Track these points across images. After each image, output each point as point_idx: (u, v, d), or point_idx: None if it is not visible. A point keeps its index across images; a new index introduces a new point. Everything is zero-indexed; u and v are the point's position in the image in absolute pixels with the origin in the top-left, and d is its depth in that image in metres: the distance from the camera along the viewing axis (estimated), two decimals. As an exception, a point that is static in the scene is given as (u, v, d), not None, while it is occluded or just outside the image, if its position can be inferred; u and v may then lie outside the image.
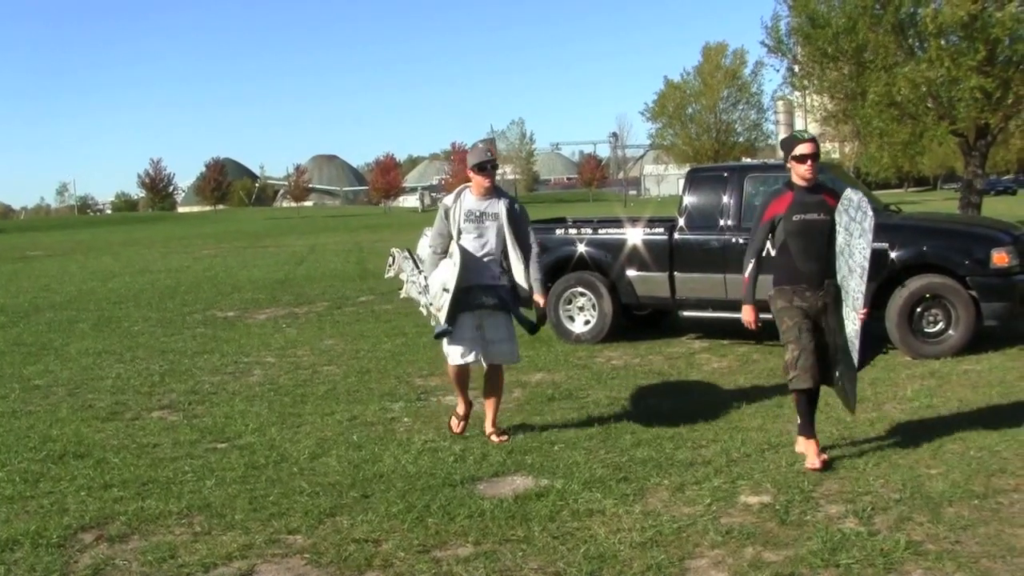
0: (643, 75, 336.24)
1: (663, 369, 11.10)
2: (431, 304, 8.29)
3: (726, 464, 7.26)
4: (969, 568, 5.29)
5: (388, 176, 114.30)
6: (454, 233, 8.13)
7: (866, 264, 6.95)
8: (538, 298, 8.22)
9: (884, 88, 30.05)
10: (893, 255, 11.39)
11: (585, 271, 13.12)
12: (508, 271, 8.22)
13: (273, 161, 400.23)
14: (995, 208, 36.75)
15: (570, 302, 13.15)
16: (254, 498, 6.78)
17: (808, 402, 7.18)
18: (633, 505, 6.43)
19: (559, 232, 13.52)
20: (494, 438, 8.20)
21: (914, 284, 11.29)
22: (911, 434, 7.93)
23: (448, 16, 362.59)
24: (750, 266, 7.31)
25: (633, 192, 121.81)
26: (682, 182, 13.48)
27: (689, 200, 12.76)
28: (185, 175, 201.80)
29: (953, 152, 46.97)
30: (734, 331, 12.55)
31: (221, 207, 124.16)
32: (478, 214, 8.12)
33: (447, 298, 7.93)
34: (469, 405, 8.51)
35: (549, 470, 7.25)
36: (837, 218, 7.16)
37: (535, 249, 8.33)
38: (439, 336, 8.18)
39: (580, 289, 13.12)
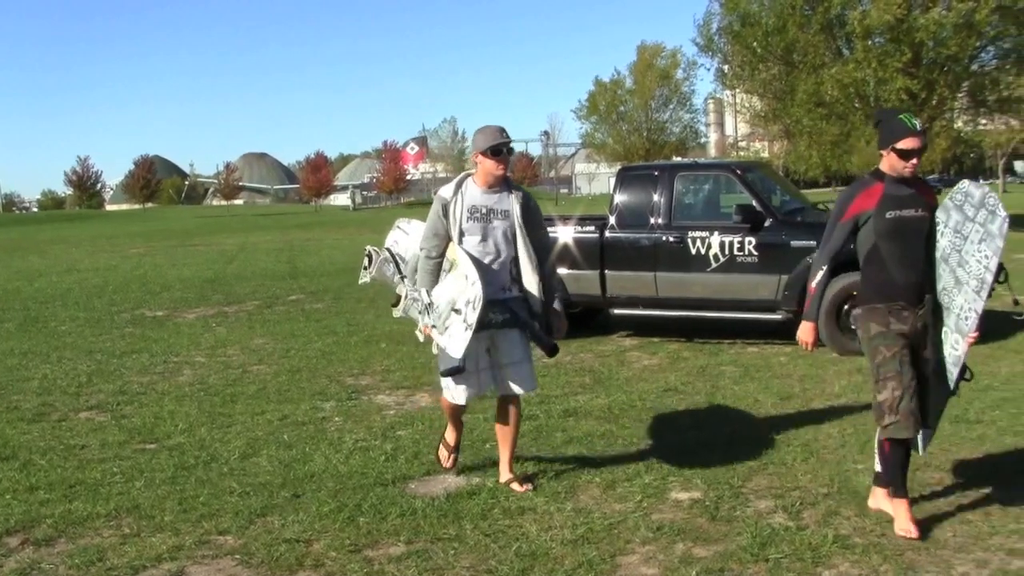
0: (575, 74, 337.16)
1: (594, 367, 11.13)
2: (434, 326, 6.61)
3: (657, 461, 7.30)
4: (895, 560, 5.38)
5: (319, 174, 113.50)
6: (454, 234, 6.57)
7: (988, 277, 5.57)
8: (555, 319, 6.86)
9: (813, 88, 30.47)
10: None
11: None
12: (518, 279, 6.70)
13: (203, 159, 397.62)
14: (921, 207, 37.21)
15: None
16: (184, 499, 6.72)
17: (905, 454, 5.88)
18: (564, 502, 6.45)
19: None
20: (515, 486, 6.72)
21: (842, 281, 11.42)
22: (839, 429, 8.05)
23: (379, 13, 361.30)
24: (820, 274, 5.99)
25: (564, 190, 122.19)
26: (613, 180, 13.54)
27: (620, 198, 12.82)
28: (113, 173, 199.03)
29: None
30: (664, 329, 12.64)
31: (150, 205, 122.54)
32: (485, 211, 6.60)
33: (457, 321, 6.38)
34: (460, 431, 7.18)
35: (481, 468, 7.26)
36: (941, 216, 5.85)
37: (552, 254, 7.16)
38: (448, 373, 6.50)
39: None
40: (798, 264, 11.52)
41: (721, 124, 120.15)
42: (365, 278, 7.73)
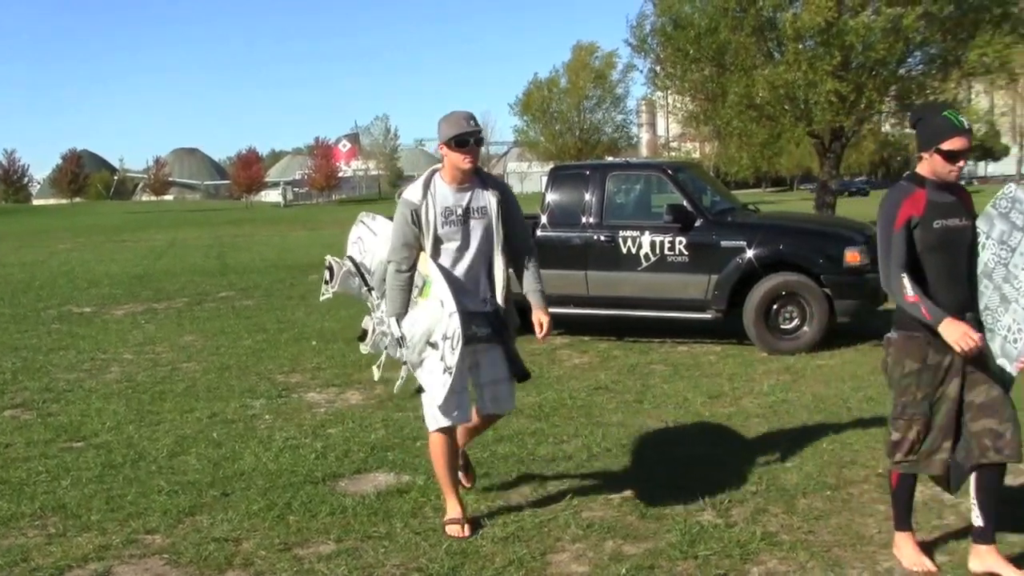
0: (508, 72, 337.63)
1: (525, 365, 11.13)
2: (408, 363, 5.94)
3: (587, 459, 7.33)
4: (821, 557, 5.45)
5: (250, 170, 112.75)
6: (427, 244, 5.79)
7: None
8: (541, 315, 6.02)
9: (744, 89, 30.70)
10: (751, 253, 11.61)
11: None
12: (493, 287, 6.01)
13: (132, 154, 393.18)
14: (849, 208, 37.69)
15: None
16: (111, 498, 6.65)
17: (912, 487, 5.35)
18: (495, 500, 6.47)
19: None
20: (463, 479, 6.45)
21: (771, 281, 11.55)
22: (767, 428, 8.13)
23: (311, 9, 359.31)
24: (906, 280, 4.95)
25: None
26: (545, 179, 13.58)
27: (551, 197, 12.85)
28: (40, 167, 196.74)
29: (809, 153, 48.12)
30: (595, 328, 12.69)
31: (78, 200, 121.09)
32: (461, 212, 5.81)
33: (434, 357, 5.70)
34: (459, 495, 6.12)
35: (411, 466, 7.25)
36: (983, 226, 5.19)
37: (534, 251, 6.27)
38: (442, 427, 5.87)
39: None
40: (728, 264, 11.64)
41: (653, 125, 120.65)
42: (327, 294, 7.01)
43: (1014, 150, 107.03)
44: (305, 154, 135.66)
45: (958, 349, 4.85)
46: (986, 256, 5.15)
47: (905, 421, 5.14)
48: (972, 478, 5.14)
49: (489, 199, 5.91)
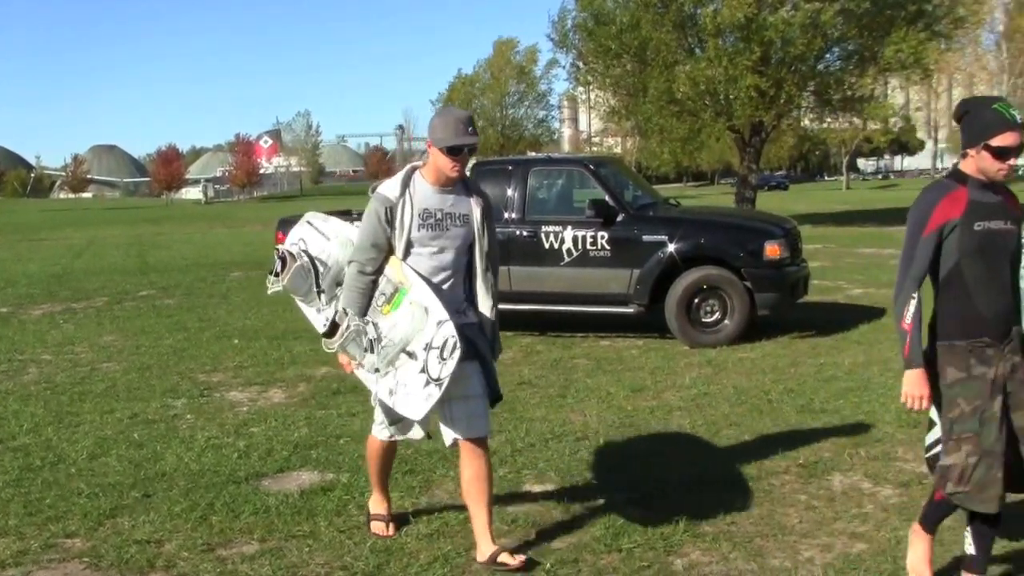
0: (430, 68, 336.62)
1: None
2: (376, 369, 5.37)
3: (511, 454, 7.35)
4: (744, 548, 5.51)
5: (170, 167, 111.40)
6: (399, 246, 5.30)
7: None
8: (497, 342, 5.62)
9: (665, 85, 30.98)
10: (672, 248, 11.70)
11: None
12: (472, 299, 5.52)
13: (50, 151, 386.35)
14: (768, 203, 38.14)
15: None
16: (29, 502, 6.54)
17: (992, 524, 4.72)
18: (419, 497, 6.46)
19: (345, 225, 13.41)
20: (506, 559, 5.31)
21: (692, 276, 11.64)
22: (689, 421, 8.20)
23: (231, 3, 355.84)
24: (912, 306, 4.58)
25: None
26: (467, 175, 13.56)
27: (475, 193, 12.84)
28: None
29: (729, 148, 48.70)
30: (518, 323, 12.70)
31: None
32: (439, 216, 5.35)
33: (411, 368, 5.17)
34: (387, 494, 6.00)
35: (335, 464, 7.22)
36: None
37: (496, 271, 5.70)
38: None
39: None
40: (650, 258, 11.72)
41: (575, 120, 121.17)
42: (276, 287, 6.20)
43: (929, 144, 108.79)
44: (226, 151, 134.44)
45: (904, 399, 4.66)
46: None
47: (954, 442, 4.56)
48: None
49: (472, 207, 5.46)
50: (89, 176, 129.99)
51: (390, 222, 5.28)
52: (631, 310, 11.99)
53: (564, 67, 40.14)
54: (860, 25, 31.20)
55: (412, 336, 5.15)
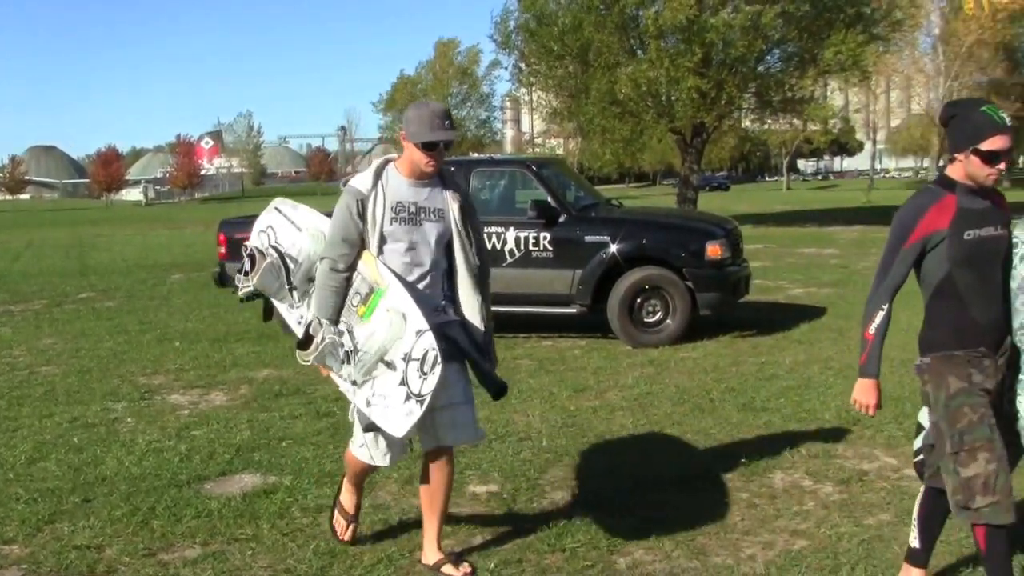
0: (373, 69, 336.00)
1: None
2: (354, 382, 5.10)
3: (454, 455, 7.33)
4: (686, 546, 5.54)
5: (110, 168, 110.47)
6: (372, 241, 5.08)
7: None
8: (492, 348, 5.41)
9: (607, 86, 31.10)
10: (614, 248, 11.74)
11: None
12: (453, 298, 5.28)
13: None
14: (710, 203, 38.34)
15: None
16: (-35, 506, 6.46)
17: (1008, 538, 4.38)
18: (363, 499, 6.44)
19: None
20: (451, 570, 5.24)
21: (634, 276, 11.69)
22: (632, 420, 8.23)
23: (172, 3, 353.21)
24: (879, 316, 4.51)
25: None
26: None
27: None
28: None
29: (671, 149, 48.99)
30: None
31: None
32: (414, 209, 5.11)
33: (390, 379, 4.93)
34: (361, 494, 5.76)
35: (278, 467, 7.17)
36: (1019, 235, 4.51)
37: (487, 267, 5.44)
38: (371, 428, 5.15)
39: (308, 283, 12.95)
40: (592, 259, 11.76)
41: (518, 121, 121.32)
42: (246, 288, 5.79)
43: (868, 145, 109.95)
44: (167, 152, 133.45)
45: (854, 404, 4.60)
46: (1022, 269, 4.47)
47: (967, 453, 4.30)
48: (920, 496, 4.82)
49: (448, 201, 5.18)
50: (27, 177, 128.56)
51: (362, 216, 5.05)
52: (573, 310, 12.02)
53: (506, 68, 40.26)
54: (800, 27, 31.53)
55: (390, 345, 4.89)
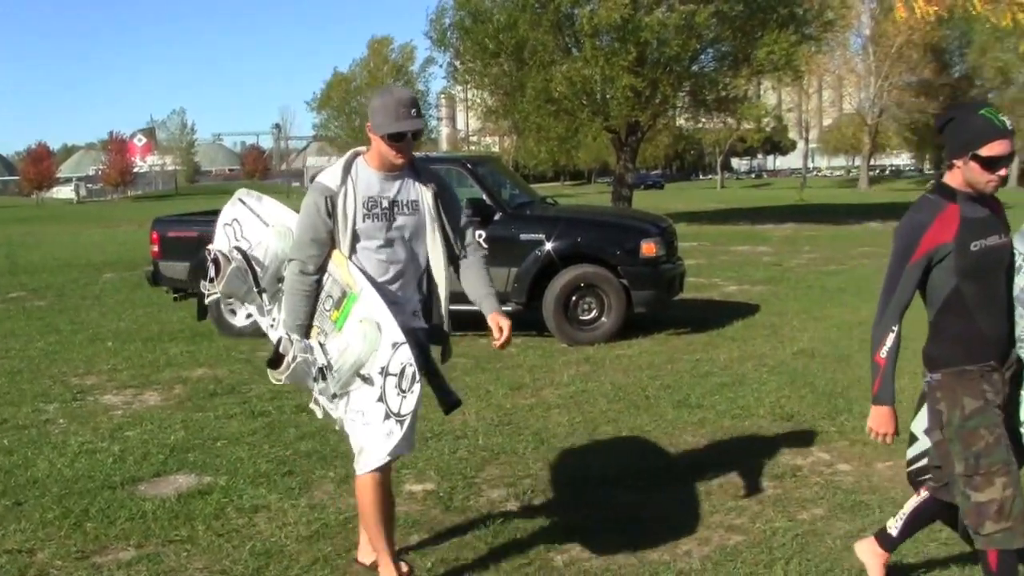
0: (308, 66, 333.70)
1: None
2: (334, 395, 4.79)
3: (391, 454, 7.33)
4: (623, 542, 5.57)
5: (40, 166, 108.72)
6: (344, 241, 4.75)
7: None
8: (499, 319, 4.97)
9: (542, 84, 31.16)
10: (549, 246, 11.78)
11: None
12: (428, 300, 5.10)
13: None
14: (645, 201, 38.53)
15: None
16: None
17: (1018, 562, 4.22)
18: (299, 499, 6.41)
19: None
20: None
21: (569, 274, 11.73)
22: (568, 418, 8.26)
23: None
24: (890, 339, 4.22)
25: (296, 184, 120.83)
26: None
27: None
28: None
29: (606, 147, 49.16)
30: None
31: None
32: (387, 204, 4.81)
33: (367, 394, 4.66)
34: (393, 548, 5.09)
35: (213, 467, 7.12)
36: (1019, 244, 4.34)
37: (482, 251, 5.30)
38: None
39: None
40: (527, 257, 11.78)
41: (453, 119, 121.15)
42: (213, 294, 5.43)
43: (800, 144, 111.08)
44: (99, 149, 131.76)
45: (869, 431, 4.34)
46: (1022, 280, 4.30)
47: (983, 477, 4.12)
48: (921, 496, 4.66)
49: (422, 192, 4.91)
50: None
51: (331, 214, 4.73)
52: (509, 308, 12.02)
53: (441, 66, 40.25)
54: (734, 27, 31.81)
55: (366, 358, 4.61)
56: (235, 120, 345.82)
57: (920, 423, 4.52)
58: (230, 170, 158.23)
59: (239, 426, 8.21)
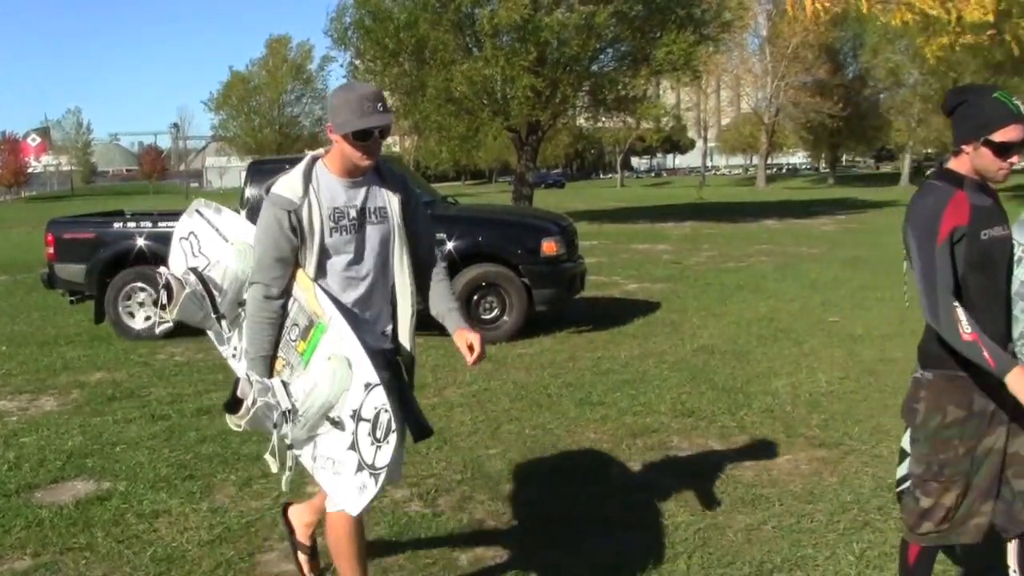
0: (206, 65, 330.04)
1: (227, 363, 10.96)
2: (309, 434, 4.27)
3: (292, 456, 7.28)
4: (526, 540, 5.62)
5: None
6: (310, 260, 4.20)
7: None
8: (469, 335, 4.53)
9: (443, 84, 31.17)
10: (450, 245, 11.79)
11: (145, 265, 12.72)
12: (395, 316, 4.53)
13: None
14: (546, 200, 38.65)
15: (130, 297, 12.67)
16: None
17: (932, 564, 4.24)
18: (200, 503, 6.35)
19: (117, 226, 13.04)
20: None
21: (470, 273, 11.75)
22: (470, 417, 8.27)
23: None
24: (961, 314, 3.79)
25: (195, 184, 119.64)
26: (244, 174, 13.40)
27: (251, 192, 12.64)
28: None
29: (507, 147, 49.28)
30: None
31: None
32: (353, 215, 4.24)
33: (337, 440, 4.16)
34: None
35: (112, 472, 7.02)
36: (1019, 236, 4.06)
37: (443, 263, 4.89)
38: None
39: (140, 284, 12.68)
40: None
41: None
42: (167, 322, 4.94)
43: (699, 143, 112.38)
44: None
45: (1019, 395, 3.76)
46: (1021, 272, 4.04)
47: (941, 484, 4.03)
48: (1013, 547, 4.28)
49: (389, 198, 4.35)
50: None
51: (297, 231, 4.16)
52: (419, 307, 12.01)
53: (341, 64, 40.03)
54: (633, 27, 32.10)
55: (335, 399, 4.11)
56: (132, 120, 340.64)
57: (909, 440, 4.32)
58: (127, 170, 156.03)
59: (138, 430, 8.10)
